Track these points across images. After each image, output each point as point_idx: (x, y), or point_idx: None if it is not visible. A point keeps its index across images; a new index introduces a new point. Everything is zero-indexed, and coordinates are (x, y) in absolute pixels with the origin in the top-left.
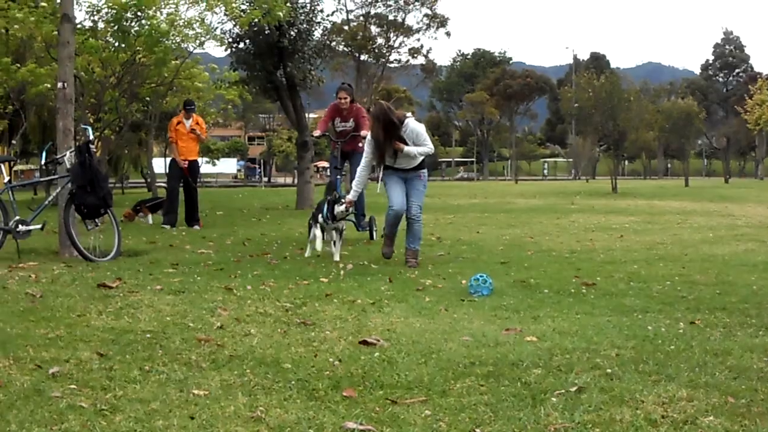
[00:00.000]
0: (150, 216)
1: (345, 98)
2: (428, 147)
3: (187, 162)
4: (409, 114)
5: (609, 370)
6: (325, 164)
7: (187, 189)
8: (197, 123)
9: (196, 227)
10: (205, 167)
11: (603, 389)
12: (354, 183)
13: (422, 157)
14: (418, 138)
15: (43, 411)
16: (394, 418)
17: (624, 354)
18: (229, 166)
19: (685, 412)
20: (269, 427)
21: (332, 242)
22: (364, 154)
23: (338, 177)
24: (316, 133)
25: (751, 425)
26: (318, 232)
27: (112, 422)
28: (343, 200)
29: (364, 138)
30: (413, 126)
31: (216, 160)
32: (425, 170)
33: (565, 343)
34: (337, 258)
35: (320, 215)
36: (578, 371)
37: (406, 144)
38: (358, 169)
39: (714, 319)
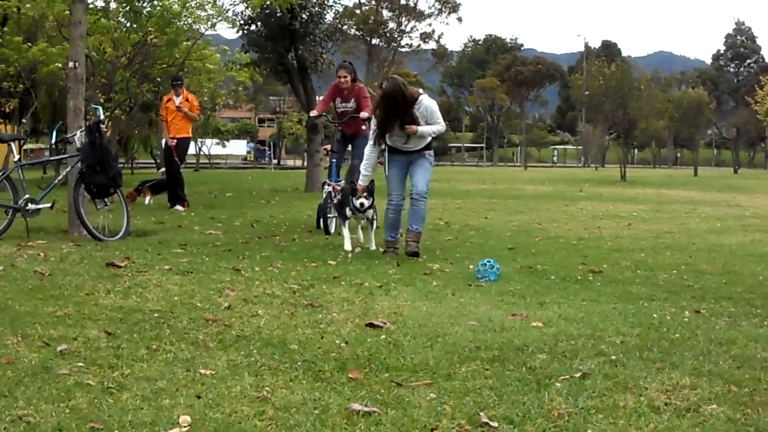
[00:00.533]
0: (150, 197)
1: (345, 77)
2: (441, 125)
3: (175, 140)
4: (421, 90)
5: (613, 357)
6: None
7: (170, 166)
8: (187, 100)
9: (179, 208)
10: (215, 149)
11: (607, 375)
12: (362, 166)
13: (431, 138)
14: (432, 116)
15: (50, 388)
16: (399, 400)
17: (629, 341)
18: (238, 147)
19: (688, 400)
20: (275, 407)
21: (363, 229)
22: (371, 134)
23: (334, 161)
24: (314, 113)
25: (754, 414)
26: (347, 231)
27: (119, 400)
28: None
29: (364, 120)
30: (427, 103)
31: (226, 142)
32: (431, 150)
33: (570, 330)
34: (372, 247)
35: (348, 209)
36: (583, 357)
37: (418, 124)
38: (365, 151)
39: (719, 308)
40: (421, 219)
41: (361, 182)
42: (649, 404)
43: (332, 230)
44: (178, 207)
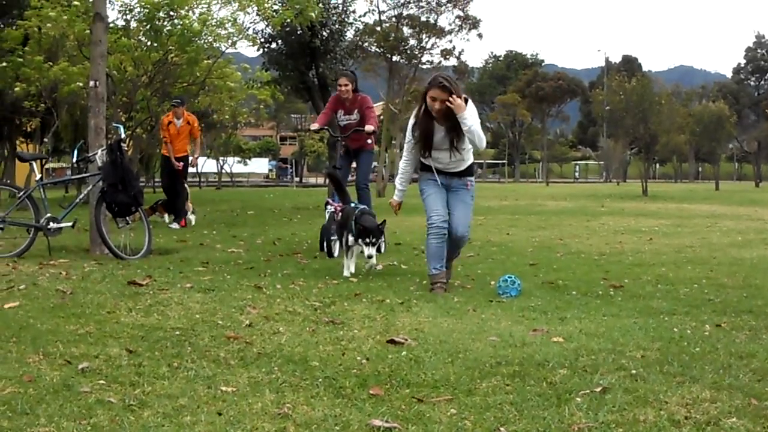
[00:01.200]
0: (167, 215)
1: (346, 85)
2: (483, 138)
3: (181, 163)
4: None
5: (634, 371)
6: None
7: (171, 184)
8: (188, 122)
9: (175, 226)
10: (237, 167)
11: (627, 390)
12: (397, 180)
13: (470, 161)
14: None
15: (72, 406)
16: (419, 416)
17: (649, 355)
18: (260, 165)
19: (708, 414)
20: (296, 423)
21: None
22: (405, 143)
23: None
24: (314, 126)
25: None
26: (349, 260)
27: (141, 417)
28: (370, 238)
29: (370, 134)
30: (473, 109)
31: (248, 160)
32: (473, 178)
33: (591, 344)
34: (379, 267)
35: (351, 236)
36: (603, 372)
37: (460, 135)
38: (400, 165)
39: (740, 321)
40: (459, 248)
41: (395, 198)
42: (669, 418)
43: (335, 253)
44: (174, 225)
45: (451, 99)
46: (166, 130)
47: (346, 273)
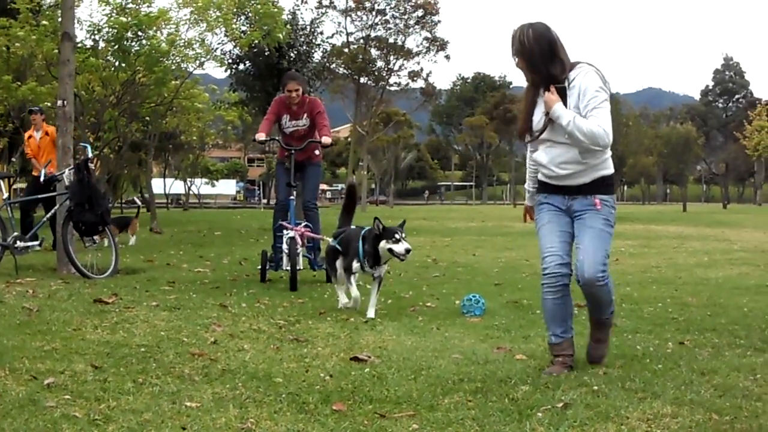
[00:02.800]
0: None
1: (296, 90)
2: (602, 126)
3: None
4: (582, 63)
5: (596, 387)
6: (323, 186)
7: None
8: (47, 133)
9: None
10: (204, 188)
11: (589, 405)
12: (528, 177)
13: (599, 168)
14: (589, 103)
15: (37, 420)
16: (381, 431)
17: (612, 372)
18: (228, 187)
19: (669, 428)
20: None
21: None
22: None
23: (291, 198)
24: (260, 136)
25: None
26: (354, 289)
27: (105, 431)
28: (398, 234)
29: (325, 146)
30: (584, 79)
31: (215, 181)
32: (607, 197)
33: None
34: (371, 314)
35: (356, 260)
36: (565, 388)
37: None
38: (529, 159)
39: (703, 339)
40: (601, 304)
41: (527, 202)
42: None
43: (284, 268)
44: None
45: (547, 97)
46: (27, 144)
47: (345, 301)
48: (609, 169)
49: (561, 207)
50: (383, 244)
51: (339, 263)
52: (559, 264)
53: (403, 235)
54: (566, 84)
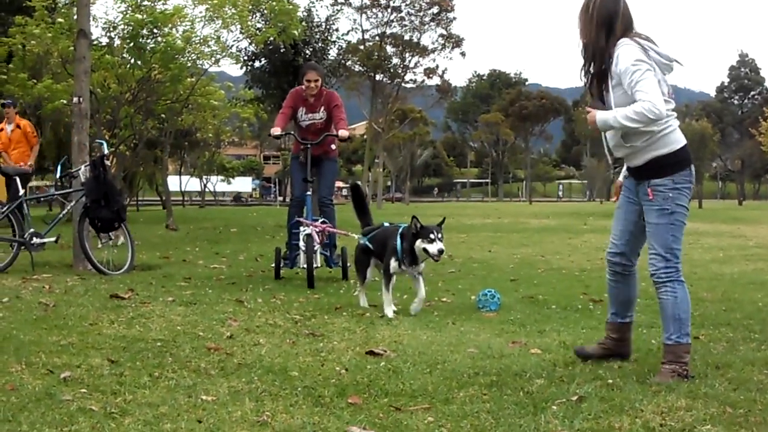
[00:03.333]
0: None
1: (315, 81)
2: (646, 101)
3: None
4: (625, 38)
5: (610, 381)
6: (339, 184)
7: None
8: (18, 126)
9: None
10: (220, 185)
11: (603, 399)
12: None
13: (650, 148)
14: (630, 81)
15: (53, 413)
16: (397, 423)
17: (626, 366)
18: (244, 184)
19: (683, 421)
20: (275, 430)
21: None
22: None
23: (307, 193)
24: (275, 131)
25: None
26: (388, 295)
27: (122, 425)
28: (434, 233)
29: (342, 140)
30: (621, 57)
31: (231, 179)
32: (663, 179)
33: (568, 356)
34: (416, 308)
35: (393, 259)
36: (580, 382)
37: (602, 102)
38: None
39: (718, 334)
40: (671, 318)
41: (619, 179)
42: (644, 425)
43: (301, 265)
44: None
45: (588, 113)
46: None
47: (389, 312)
48: (662, 149)
49: (632, 190)
50: (418, 243)
51: (370, 269)
52: (612, 252)
53: (440, 235)
54: (611, 61)
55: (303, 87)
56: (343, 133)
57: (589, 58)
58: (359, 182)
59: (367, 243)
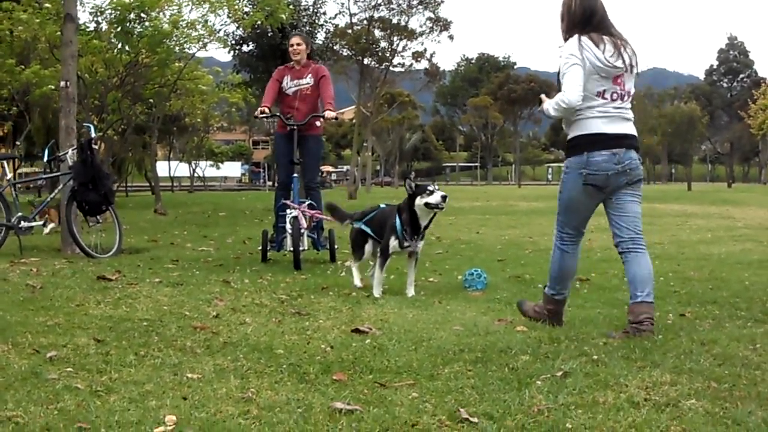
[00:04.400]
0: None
1: (299, 44)
2: (562, 93)
3: None
4: (574, 37)
5: (595, 357)
6: (329, 168)
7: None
8: None
9: None
10: (209, 171)
11: (588, 374)
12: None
13: (574, 128)
14: (559, 76)
15: (39, 391)
16: (381, 399)
17: (611, 342)
18: (233, 169)
19: (667, 396)
20: (259, 407)
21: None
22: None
23: (295, 175)
24: (262, 110)
25: (732, 407)
26: (380, 273)
27: (107, 402)
28: (431, 186)
29: (330, 119)
30: (562, 52)
31: (220, 164)
32: (569, 159)
33: (554, 333)
34: (411, 292)
35: (393, 237)
36: (565, 358)
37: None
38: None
39: (704, 311)
40: (645, 282)
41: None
42: (628, 400)
43: (288, 248)
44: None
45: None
46: None
47: (377, 292)
48: (573, 132)
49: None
50: (418, 201)
51: (368, 247)
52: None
53: (436, 186)
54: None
55: (290, 50)
56: (329, 114)
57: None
58: (335, 204)
59: (363, 227)
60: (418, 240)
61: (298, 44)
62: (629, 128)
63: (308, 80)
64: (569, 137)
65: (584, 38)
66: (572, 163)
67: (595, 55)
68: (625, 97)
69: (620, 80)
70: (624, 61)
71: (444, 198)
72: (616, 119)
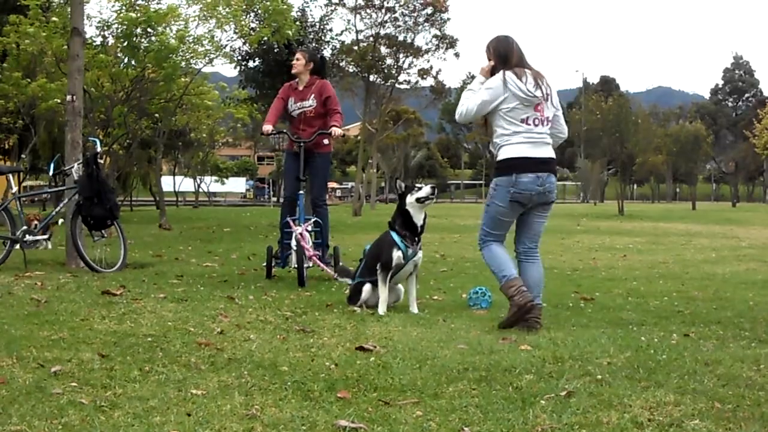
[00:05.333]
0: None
1: (298, 60)
2: (462, 107)
3: None
4: (501, 73)
5: (599, 377)
6: (333, 185)
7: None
8: None
9: None
10: (214, 186)
11: (592, 394)
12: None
13: (499, 151)
14: None
15: (44, 406)
16: (385, 417)
17: (615, 362)
18: (238, 185)
19: (671, 416)
20: (264, 424)
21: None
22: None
23: (301, 192)
24: (267, 128)
25: (736, 428)
26: (385, 292)
27: (111, 417)
28: (417, 184)
29: (336, 137)
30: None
31: (225, 179)
32: (497, 179)
33: (558, 352)
34: (415, 309)
35: (395, 249)
36: (569, 377)
37: None
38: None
39: (708, 331)
40: (537, 284)
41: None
42: (632, 420)
43: (292, 264)
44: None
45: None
46: None
47: (382, 310)
48: (502, 155)
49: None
50: (409, 199)
51: (367, 287)
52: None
53: (423, 184)
54: None
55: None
56: (336, 131)
57: None
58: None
59: (360, 279)
60: (418, 245)
61: (297, 59)
62: (550, 152)
63: (311, 102)
64: (498, 159)
65: (509, 72)
66: (501, 182)
67: (518, 86)
68: (545, 123)
69: (540, 108)
70: (542, 91)
71: (433, 188)
72: (539, 144)
